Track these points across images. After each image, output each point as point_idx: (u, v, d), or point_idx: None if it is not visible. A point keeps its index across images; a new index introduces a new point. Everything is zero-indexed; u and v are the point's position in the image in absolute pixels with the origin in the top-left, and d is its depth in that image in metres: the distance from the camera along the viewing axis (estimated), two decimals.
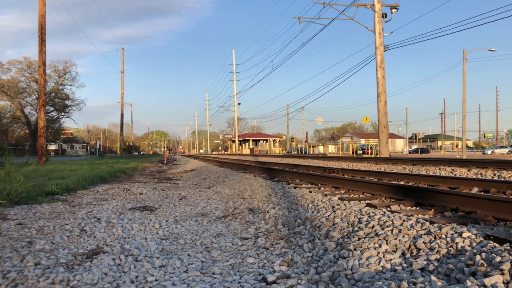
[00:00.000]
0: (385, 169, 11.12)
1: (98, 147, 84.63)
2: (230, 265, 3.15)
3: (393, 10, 21.20)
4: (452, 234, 2.77)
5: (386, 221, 3.38)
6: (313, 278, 2.67)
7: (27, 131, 66.53)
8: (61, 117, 69.83)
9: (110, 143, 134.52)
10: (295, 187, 6.40)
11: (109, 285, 2.59)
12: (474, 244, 2.56)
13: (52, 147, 76.14)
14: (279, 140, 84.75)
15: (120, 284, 2.60)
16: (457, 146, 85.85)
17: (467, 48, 51.13)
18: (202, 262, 3.23)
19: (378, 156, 20.93)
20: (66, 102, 68.57)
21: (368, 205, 4.28)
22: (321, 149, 59.67)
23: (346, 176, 8.19)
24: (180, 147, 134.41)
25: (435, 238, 2.80)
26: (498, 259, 2.19)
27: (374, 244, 2.92)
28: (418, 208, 4.12)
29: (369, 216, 3.65)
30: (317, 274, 2.73)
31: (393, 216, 3.53)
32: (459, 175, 8.43)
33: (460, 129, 41.64)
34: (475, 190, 5.17)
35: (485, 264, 2.20)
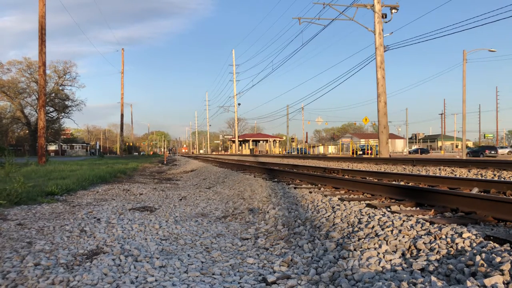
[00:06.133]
0: (385, 170, 11.12)
1: (98, 147, 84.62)
2: (230, 265, 3.15)
3: (393, 11, 21.21)
4: (452, 235, 2.77)
5: (386, 221, 3.38)
6: (313, 279, 2.67)
7: (27, 131, 66.53)
8: (61, 117, 69.88)
9: (110, 143, 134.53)
10: (295, 188, 6.40)
11: (109, 285, 2.59)
12: (474, 244, 2.56)
13: (52, 147, 76.13)
14: (279, 141, 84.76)
15: (120, 285, 2.60)
16: (457, 146, 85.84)
17: (467, 49, 51.09)
18: (202, 262, 3.23)
19: (378, 156, 20.93)
20: (66, 103, 68.61)
21: (368, 205, 4.28)
22: (321, 149, 59.67)
23: (346, 176, 8.19)
24: (184, 146, 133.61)
25: (435, 238, 2.80)
26: (498, 259, 2.19)
27: (374, 244, 2.92)
28: (418, 208, 4.12)
29: (369, 217, 3.64)
30: (317, 275, 2.73)
31: (393, 216, 3.53)
32: (459, 176, 8.43)
33: (460, 129, 41.63)
34: (475, 190, 5.17)
35: (485, 265, 2.20)
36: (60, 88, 67.14)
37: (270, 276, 2.76)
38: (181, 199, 7.26)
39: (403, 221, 3.31)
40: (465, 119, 31.77)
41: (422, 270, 2.40)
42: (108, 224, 4.58)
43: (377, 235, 3.12)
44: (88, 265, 3.01)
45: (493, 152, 41.86)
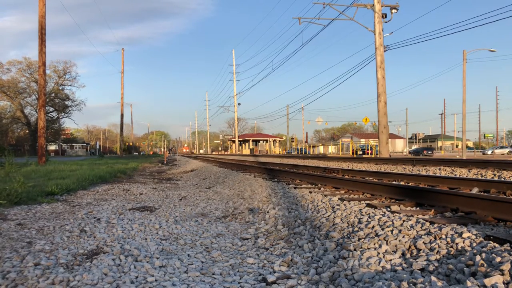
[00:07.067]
0: (385, 170, 11.12)
1: (98, 147, 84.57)
2: (230, 265, 3.15)
3: (393, 11, 21.21)
4: (452, 235, 2.77)
5: (386, 221, 3.38)
6: (313, 279, 2.67)
7: (27, 131, 66.55)
8: (61, 117, 69.92)
9: (110, 143, 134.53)
10: (295, 188, 6.40)
11: (109, 285, 2.59)
12: (474, 244, 2.56)
13: (52, 147, 76.12)
14: (279, 141, 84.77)
15: (120, 285, 2.60)
16: (457, 146, 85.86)
17: (467, 48, 51.30)
18: (202, 262, 3.23)
19: (378, 156, 20.93)
20: (66, 103, 68.66)
21: (368, 205, 4.28)
22: (321, 149, 59.67)
23: (346, 176, 8.19)
24: (185, 145, 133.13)
25: (435, 238, 2.80)
26: (498, 259, 2.19)
27: (374, 244, 2.92)
28: (418, 208, 4.12)
29: (369, 217, 3.64)
30: (317, 275, 2.73)
31: (393, 216, 3.53)
32: (459, 176, 8.43)
33: (460, 129, 41.72)
34: (475, 190, 5.17)
35: (485, 265, 2.20)
36: (60, 88, 67.18)
37: (270, 276, 2.76)
38: (181, 199, 7.26)
39: (403, 221, 3.31)
40: (465, 119, 31.78)
41: (422, 270, 2.40)
42: (108, 224, 4.58)
43: (377, 235, 3.12)
44: (88, 265, 3.01)
45: (429, 152, 50.28)
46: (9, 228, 4.11)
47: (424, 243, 2.76)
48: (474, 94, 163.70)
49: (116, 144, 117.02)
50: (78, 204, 6.20)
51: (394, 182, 6.41)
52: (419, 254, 2.65)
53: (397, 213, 3.75)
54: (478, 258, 2.27)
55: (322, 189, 6.24)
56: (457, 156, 34.99)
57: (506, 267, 2.07)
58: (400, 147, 78.17)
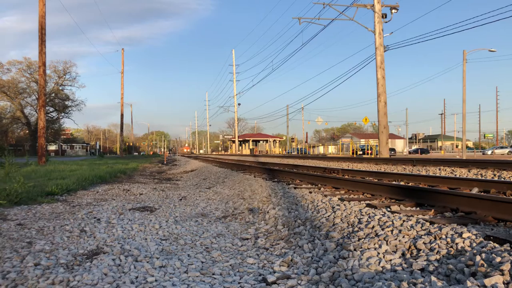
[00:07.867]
0: (385, 170, 11.12)
1: (98, 147, 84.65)
2: (230, 265, 3.15)
3: (393, 11, 21.21)
4: (452, 235, 2.77)
5: (386, 221, 3.38)
6: (313, 279, 2.67)
7: (27, 131, 66.57)
8: (61, 117, 69.90)
9: (110, 143, 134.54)
10: (295, 188, 6.40)
11: (109, 285, 2.59)
12: (474, 244, 2.56)
13: (52, 147, 76.16)
14: (279, 141, 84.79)
15: (120, 285, 2.60)
16: (457, 146, 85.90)
17: (467, 48, 51.43)
18: (202, 262, 3.23)
19: (378, 156, 20.93)
20: (66, 103, 68.64)
21: (368, 205, 4.28)
22: (321, 149, 59.67)
23: (346, 176, 8.19)
24: (186, 145, 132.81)
25: (435, 238, 2.80)
26: (498, 259, 2.19)
27: (374, 244, 2.92)
28: (418, 208, 4.12)
29: (369, 217, 3.64)
30: (317, 275, 2.73)
31: (393, 216, 3.53)
32: (459, 176, 8.43)
33: (460, 129, 41.75)
34: (475, 190, 5.17)
35: (485, 265, 2.20)
36: (60, 88, 67.18)
37: (270, 276, 2.76)
38: (181, 199, 7.26)
39: (403, 221, 3.31)
40: (465, 119, 31.79)
41: (422, 270, 2.40)
42: (108, 224, 4.58)
43: (377, 235, 3.12)
44: (88, 265, 3.01)
45: (392, 152, 53.19)
46: (9, 228, 4.11)
47: (424, 243, 2.76)
48: (474, 94, 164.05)
49: (116, 144, 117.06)
50: (78, 204, 6.20)
51: (394, 182, 6.41)
52: (419, 254, 2.65)
53: (397, 213, 3.75)
54: (478, 258, 2.27)
55: (322, 189, 6.24)
56: (457, 156, 35.00)
57: (506, 267, 2.07)
58: (400, 147, 78.16)
